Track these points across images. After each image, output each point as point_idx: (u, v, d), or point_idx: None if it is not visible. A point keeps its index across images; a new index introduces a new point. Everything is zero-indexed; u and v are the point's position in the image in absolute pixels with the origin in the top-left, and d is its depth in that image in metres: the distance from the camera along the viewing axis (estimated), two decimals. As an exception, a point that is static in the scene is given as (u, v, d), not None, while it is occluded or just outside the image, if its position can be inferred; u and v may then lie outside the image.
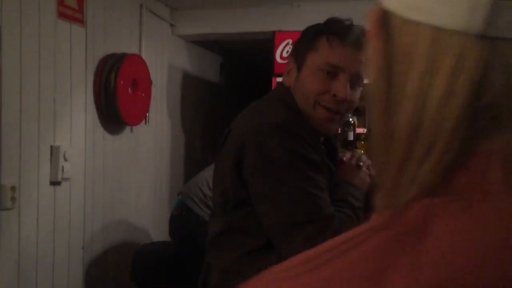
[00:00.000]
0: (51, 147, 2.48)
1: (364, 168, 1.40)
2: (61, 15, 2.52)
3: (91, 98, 2.83)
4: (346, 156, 1.42)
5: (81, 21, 2.69)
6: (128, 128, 3.19)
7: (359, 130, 3.49)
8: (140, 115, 3.18)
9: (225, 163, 1.20)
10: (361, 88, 1.26)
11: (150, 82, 3.27)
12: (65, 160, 2.50)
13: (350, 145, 2.35)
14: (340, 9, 3.59)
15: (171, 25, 3.92)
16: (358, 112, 3.60)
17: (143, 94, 3.16)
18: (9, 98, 2.19)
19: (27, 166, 2.32)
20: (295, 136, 1.13)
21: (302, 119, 1.21)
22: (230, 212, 1.22)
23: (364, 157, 1.44)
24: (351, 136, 2.33)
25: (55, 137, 2.51)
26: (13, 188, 2.22)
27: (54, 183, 2.50)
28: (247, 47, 4.54)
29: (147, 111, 3.25)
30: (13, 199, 2.23)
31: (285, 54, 3.35)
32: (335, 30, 1.20)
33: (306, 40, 1.25)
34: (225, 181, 1.20)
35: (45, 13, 2.41)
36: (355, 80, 1.21)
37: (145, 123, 3.26)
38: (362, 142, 3.56)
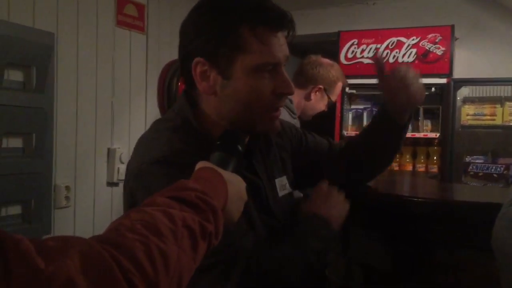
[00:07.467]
0: (108, 149, 2.60)
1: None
2: (120, 23, 2.63)
3: (152, 102, 2.92)
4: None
5: (141, 29, 2.79)
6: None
7: (431, 135, 3.21)
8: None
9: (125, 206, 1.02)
10: None
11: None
12: (121, 162, 2.60)
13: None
14: (414, 7, 3.34)
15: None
16: (434, 114, 3.32)
17: (207, 98, 3.19)
18: (64, 103, 2.33)
19: (83, 167, 2.46)
20: (179, 167, 0.87)
21: (199, 136, 0.98)
22: None
23: None
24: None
25: (112, 140, 2.62)
26: (67, 188, 2.36)
27: (111, 184, 2.61)
28: (311, 48, 4.38)
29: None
30: (67, 198, 2.36)
31: (350, 55, 3.19)
32: (258, 17, 0.93)
33: (219, 33, 0.94)
34: None
35: (103, 22, 2.53)
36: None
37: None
38: (435, 148, 3.27)
